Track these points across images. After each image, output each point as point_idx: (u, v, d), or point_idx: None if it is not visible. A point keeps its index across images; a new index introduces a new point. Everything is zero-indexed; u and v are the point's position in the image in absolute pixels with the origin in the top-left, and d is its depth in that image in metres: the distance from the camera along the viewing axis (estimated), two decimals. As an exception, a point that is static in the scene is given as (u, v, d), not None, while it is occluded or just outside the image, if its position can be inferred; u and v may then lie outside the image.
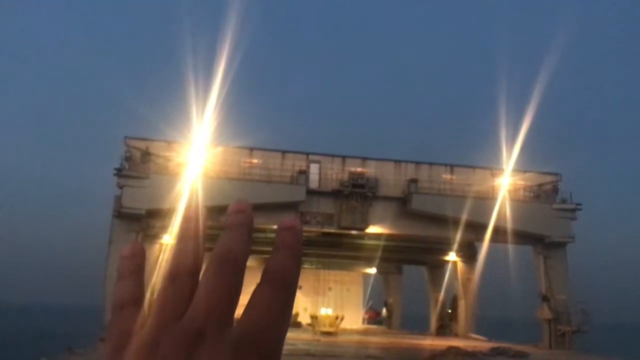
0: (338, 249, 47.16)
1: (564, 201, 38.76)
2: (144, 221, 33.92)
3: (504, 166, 38.05)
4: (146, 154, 34.85)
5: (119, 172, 33.94)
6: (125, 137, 35.53)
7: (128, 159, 34.58)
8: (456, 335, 43.44)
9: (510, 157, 37.75)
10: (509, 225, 36.17)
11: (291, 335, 37.59)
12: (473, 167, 40.07)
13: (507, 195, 37.43)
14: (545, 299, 37.52)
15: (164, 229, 34.62)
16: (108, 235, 34.43)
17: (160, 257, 37.69)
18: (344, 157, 38.87)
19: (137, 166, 34.39)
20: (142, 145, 35.29)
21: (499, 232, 36.40)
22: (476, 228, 37.08)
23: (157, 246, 36.38)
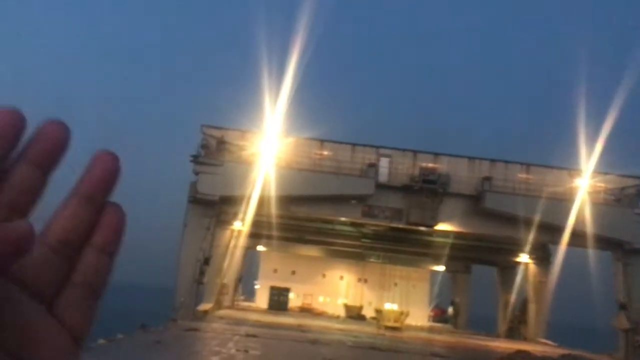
0: (405, 245, 46.83)
1: (648, 206, 36.73)
2: (218, 207, 34.90)
3: (583, 167, 36.51)
4: (221, 142, 35.81)
5: (196, 159, 35.07)
6: (202, 125, 36.65)
7: (204, 146, 35.64)
8: (525, 339, 42.20)
9: (590, 157, 36.17)
10: (588, 228, 34.71)
11: (355, 327, 37.75)
12: (550, 167, 38.79)
13: (586, 197, 35.91)
14: (623, 307, 35.79)
15: (235, 215, 35.57)
16: (182, 218, 35.66)
17: (232, 242, 38.83)
18: (415, 152, 38.48)
19: (213, 154, 35.41)
20: (217, 133, 36.29)
21: (575, 235, 35.00)
22: (551, 230, 35.83)
23: (228, 232, 37.46)
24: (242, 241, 41.41)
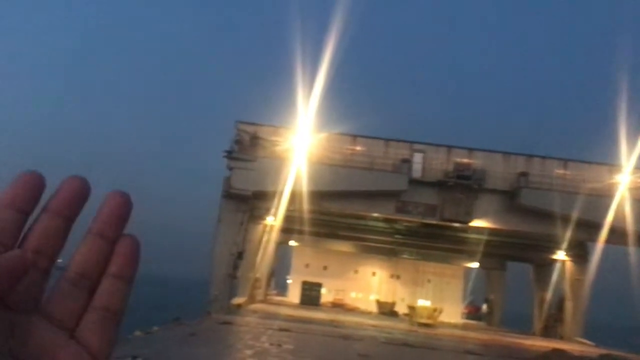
0: (439, 241, 46.39)
1: (692, 203, 35.54)
2: (251, 202, 35.17)
3: (624, 162, 35.55)
4: (255, 138, 36.03)
5: (229, 155, 35.38)
6: (236, 121, 36.94)
7: (238, 142, 35.92)
8: (561, 338, 41.40)
9: (631, 152, 35.20)
10: (628, 226, 33.82)
11: (388, 324, 37.60)
12: (589, 162, 37.84)
13: (627, 193, 34.96)
14: (664, 307, 34.79)
15: (268, 210, 35.78)
16: (217, 213, 36.01)
17: (265, 237, 39.10)
18: (449, 147, 38.02)
19: (246, 149, 35.66)
20: (251, 129, 36.51)
21: (615, 232, 34.13)
22: (589, 227, 34.99)
23: (261, 227, 37.73)
24: (275, 236, 41.63)
